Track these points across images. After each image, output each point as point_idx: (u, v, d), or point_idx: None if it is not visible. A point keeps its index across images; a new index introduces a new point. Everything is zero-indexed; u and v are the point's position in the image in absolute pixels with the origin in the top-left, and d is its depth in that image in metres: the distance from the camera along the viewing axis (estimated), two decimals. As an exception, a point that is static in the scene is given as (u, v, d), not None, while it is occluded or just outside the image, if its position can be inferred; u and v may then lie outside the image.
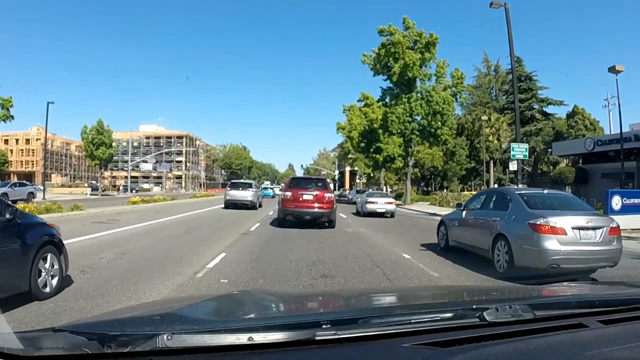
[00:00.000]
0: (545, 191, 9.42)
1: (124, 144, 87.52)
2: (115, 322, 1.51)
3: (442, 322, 1.48)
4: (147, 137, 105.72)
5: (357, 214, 23.47)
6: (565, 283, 3.58)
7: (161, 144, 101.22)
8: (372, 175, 57.23)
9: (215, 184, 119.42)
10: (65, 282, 5.80)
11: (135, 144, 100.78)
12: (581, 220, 7.21)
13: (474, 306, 1.63)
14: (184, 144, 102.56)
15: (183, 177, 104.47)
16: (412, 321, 1.48)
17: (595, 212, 8.57)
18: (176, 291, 5.94)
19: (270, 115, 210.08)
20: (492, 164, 46.99)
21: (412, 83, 34.87)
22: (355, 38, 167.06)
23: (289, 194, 15.25)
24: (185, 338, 1.24)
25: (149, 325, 1.44)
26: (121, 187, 72.19)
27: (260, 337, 1.27)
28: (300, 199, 14.99)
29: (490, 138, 45.63)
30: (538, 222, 7.09)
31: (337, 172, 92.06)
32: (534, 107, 56.03)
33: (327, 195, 15.31)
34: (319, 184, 16.16)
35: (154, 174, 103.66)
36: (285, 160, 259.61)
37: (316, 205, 14.96)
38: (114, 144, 57.89)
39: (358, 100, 44.28)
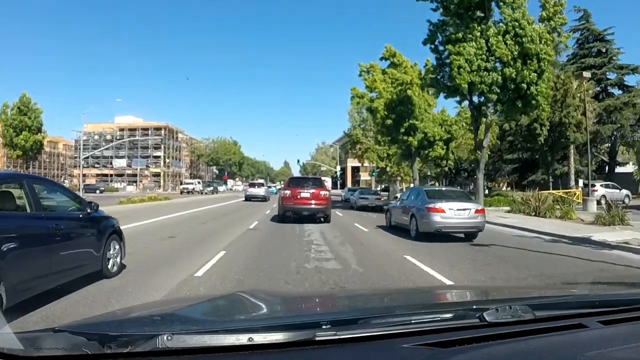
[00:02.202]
0: (444, 188, 17.24)
1: (96, 137, 78.38)
2: (115, 323, 1.52)
3: (442, 323, 1.49)
4: (121, 129, 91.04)
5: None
6: (565, 283, 3.60)
7: (136, 137, 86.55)
8: (387, 169, 45.78)
9: (202, 182, 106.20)
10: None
11: (109, 137, 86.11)
12: (457, 204, 12.24)
13: (474, 306, 1.63)
14: (162, 136, 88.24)
15: (162, 174, 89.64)
16: (413, 321, 1.48)
17: (470, 199, 14.29)
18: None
19: (266, 112, 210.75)
20: (572, 150, 33.41)
21: (487, 7, 20.96)
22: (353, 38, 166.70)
23: (288, 192, 16.90)
24: (185, 338, 1.24)
25: (149, 325, 1.45)
26: (82, 188, 58.11)
27: (260, 338, 1.27)
28: (299, 197, 16.61)
29: (574, 112, 32.04)
30: (430, 206, 12.18)
31: (338, 167, 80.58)
32: (609, 76, 41.78)
33: (322, 192, 17.00)
34: (316, 183, 17.84)
35: (129, 172, 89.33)
36: (281, 157, 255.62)
37: (313, 202, 16.61)
38: (43, 128, 42.57)
39: (381, 59, 30.56)
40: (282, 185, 20.91)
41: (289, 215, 16.82)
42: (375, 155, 43.19)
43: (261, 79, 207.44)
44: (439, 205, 12.07)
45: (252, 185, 40.96)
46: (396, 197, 15.85)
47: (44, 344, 1.25)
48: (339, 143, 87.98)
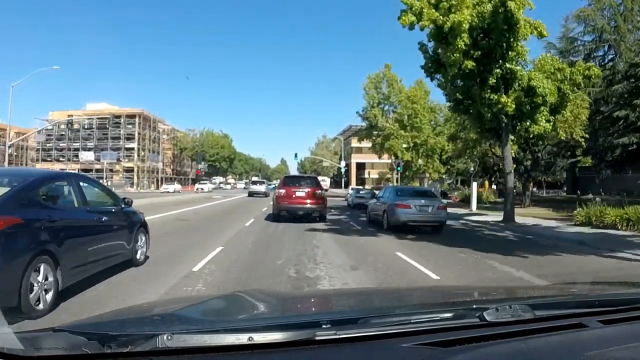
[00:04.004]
0: (412, 187, 20.79)
1: (62, 126, 65.93)
2: (115, 322, 1.52)
3: (442, 322, 1.48)
4: (90, 117, 72.66)
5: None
6: (565, 283, 3.60)
7: (107, 126, 72.35)
8: (420, 162, 35.47)
9: (186, 179, 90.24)
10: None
11: (76, 126, 72.51)
12: (421, 202, 14.19)
13: (474, 306, 1.63)
14: (136, 125, 74.99)
15: (135, 169, 75.66)
16: (412, 321, 1.48)
17: (435, 197, 16.01)
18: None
19: (265, 112, 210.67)
20: None
21: None
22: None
23: (282, 191, 16.83)
24: (185, 338, 1.24)
25: (149, 325, 1.45)
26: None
27: (260, 337, 1.27)
28: (294, 196, 16.58)
29: None
30: (397, 203, 14.23)
31: (343, 163, 69.52)
32: None
33: (318, 192, 17.06)
34: (311, 182, 17.90)
35: (97, 166, 74.71)
36: (280, 155, 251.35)
37: (308, 201, 16.60)
38: None
39: None
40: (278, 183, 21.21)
41: (284, 214, 16.79)
42: (401, 143, 33.54)
43: (261, 79, 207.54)
44: (406, 202, 14.10)
45: (254, 183, 50.50)
46: (373, 195, 20.20)
47: (44, 343, 1.25)
48: (343, 136, 78.82)
